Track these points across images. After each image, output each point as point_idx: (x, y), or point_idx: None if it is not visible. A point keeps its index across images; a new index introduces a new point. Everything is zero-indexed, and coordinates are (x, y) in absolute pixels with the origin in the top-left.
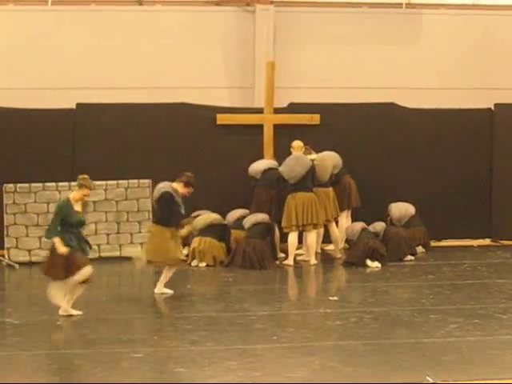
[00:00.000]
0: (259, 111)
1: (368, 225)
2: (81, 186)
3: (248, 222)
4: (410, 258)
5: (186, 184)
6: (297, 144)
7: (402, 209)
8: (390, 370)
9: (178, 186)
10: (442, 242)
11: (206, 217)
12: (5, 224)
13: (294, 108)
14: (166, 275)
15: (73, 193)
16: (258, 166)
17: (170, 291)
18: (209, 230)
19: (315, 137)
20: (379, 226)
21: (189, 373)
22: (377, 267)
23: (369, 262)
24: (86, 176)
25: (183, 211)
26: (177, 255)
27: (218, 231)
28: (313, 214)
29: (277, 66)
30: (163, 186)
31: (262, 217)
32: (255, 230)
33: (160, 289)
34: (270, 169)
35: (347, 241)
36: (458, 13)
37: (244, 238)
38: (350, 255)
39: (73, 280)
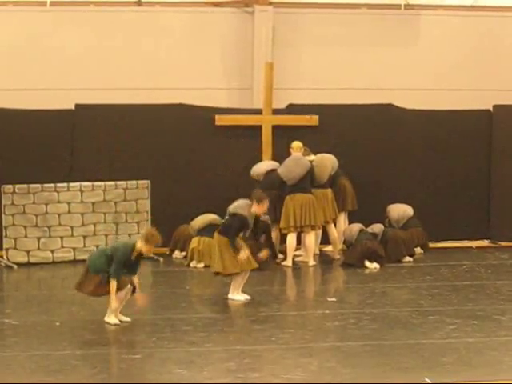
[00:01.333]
0: (258, 112)
1: (366, 226)
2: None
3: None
4: (408, 259)
5: (259, 201)
6: (296, 145)
7: (400, 210)
8: (388, 371)
9: (254, 207)
10: (440, 243)
11: (204, 217)
12: (3, 225)
13: (292, 109)
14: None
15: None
16: (260, 168)
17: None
18: (207, 230)
19: (314, 138)
20: (377, 227)
21: (187, 374)
22: (375, 268)
23: (367, 263)
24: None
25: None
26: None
27: None
28: (311, 216)
29: (275, 66)
30: (240, 206)
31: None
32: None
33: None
34: (273, 170)
35: (345, 242)
36: (457, 14)
37: None
38: (348, 256)
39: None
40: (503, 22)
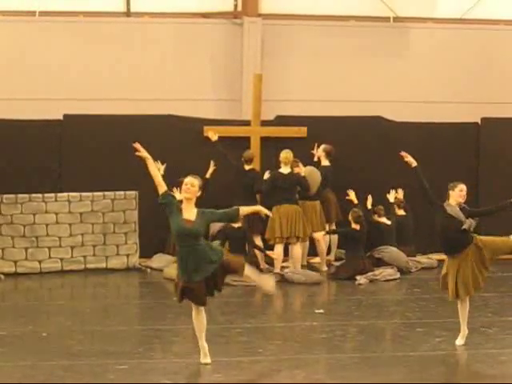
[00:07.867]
0: (246, 123)
1: None
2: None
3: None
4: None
5: None
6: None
7: None
8: None
9: None
10: (428, 256)
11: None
12: None
13: (281, 120)
14: None
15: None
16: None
17: None
18: None
19: (302, 149)
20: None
21: None
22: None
23: (357, 277)
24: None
25: None
26: None
27: None
28: (296, 227)
29: (264, 78)
30: None
31: (236, 226)
32: (233, 243)
33: None
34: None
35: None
36: (446, 27)
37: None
38: (339, 271)
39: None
40: (492, 34)
